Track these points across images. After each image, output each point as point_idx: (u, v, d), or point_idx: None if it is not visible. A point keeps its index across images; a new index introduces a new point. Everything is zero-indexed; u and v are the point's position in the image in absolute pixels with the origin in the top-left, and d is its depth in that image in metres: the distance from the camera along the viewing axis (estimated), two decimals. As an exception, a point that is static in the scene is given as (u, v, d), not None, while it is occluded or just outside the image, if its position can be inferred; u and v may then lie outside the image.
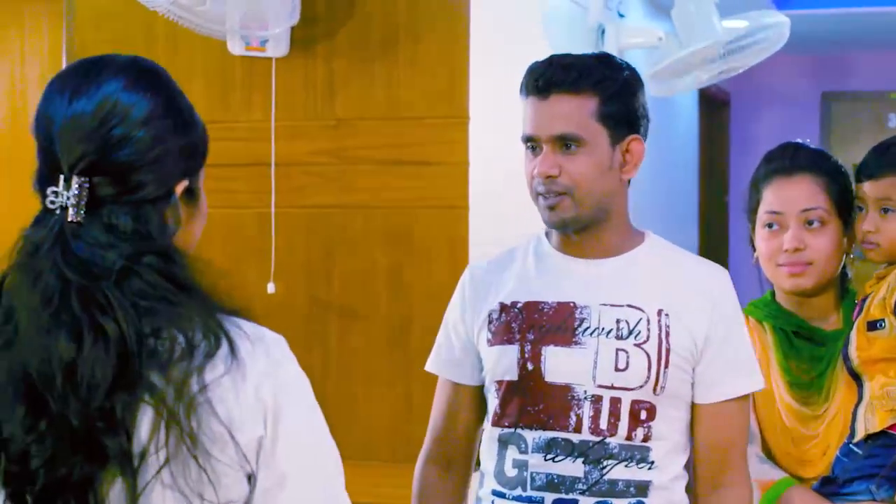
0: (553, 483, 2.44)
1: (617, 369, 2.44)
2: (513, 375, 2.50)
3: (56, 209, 1.63)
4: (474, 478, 2.72)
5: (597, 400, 2.44)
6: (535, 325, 2.50)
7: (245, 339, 1.65)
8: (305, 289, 4.14)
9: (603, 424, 2.44)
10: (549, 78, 2.50)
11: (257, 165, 4.13)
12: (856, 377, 2.74)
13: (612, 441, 2.44)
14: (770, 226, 2.87)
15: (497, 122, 4.17)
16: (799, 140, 3.03)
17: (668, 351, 2.45)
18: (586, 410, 2.44)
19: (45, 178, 1.66)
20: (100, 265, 1.59)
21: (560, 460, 2.44)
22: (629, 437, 2.44)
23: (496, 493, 2.53)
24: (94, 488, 1.56)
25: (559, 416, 2.45)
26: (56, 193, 1.63)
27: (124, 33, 4.32)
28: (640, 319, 2.46)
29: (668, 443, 2.47)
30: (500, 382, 2.53)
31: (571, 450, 2.44)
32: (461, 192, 3.98)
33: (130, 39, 4.31)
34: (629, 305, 2.48)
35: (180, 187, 1.70)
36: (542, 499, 2.45)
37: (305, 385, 1.74)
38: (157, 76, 1.73)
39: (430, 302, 4.00)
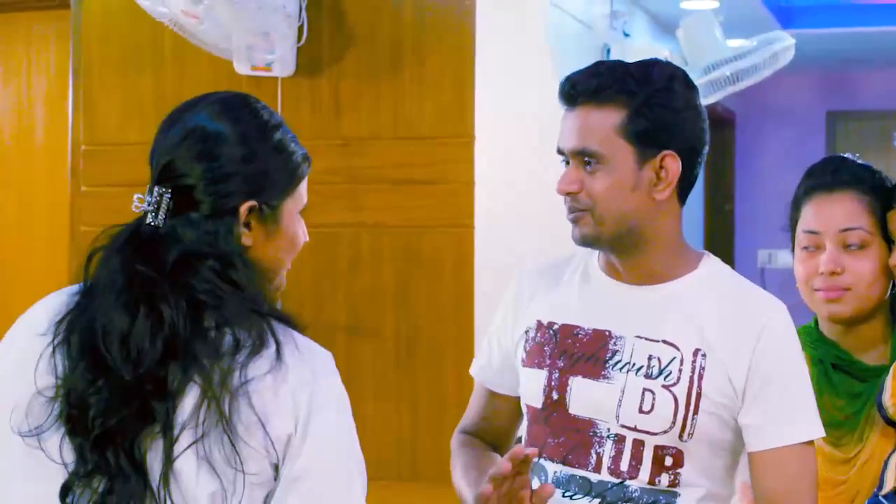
0: None
1: (641, 411, 2.26)
2: (538, 402, 2.36)
3: (141, 212, 1.92)
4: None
5: (620, 440, 2.27)
6: (567, 351, 2.34)
7: (293, 347, 1.87)
8: (313, 307, 4.15)
9: (623, 466, 2.27)
10: (575, 86, 2.29)
11: (264, 184, 4.15)
12: (892, 424, 2.48)
13: (633, 484, 2.27)
14: (807, 247, 2.61)
15: (503, 142, 4.18)
16: (845, 154, 2.74)
17: (698, 396, 2.25)
18: (607, 450, 2.28)
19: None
20: (162, 262, 1.86)
21: (578, 499, 2.29)
22: (652, 482, 2.26)
23: None
24: (138, 444, 1.81)
25: (579, 452, 2.30)
26: (140, 199, 1.93)
27: (132, 52, 4.34)
28: (674, 359, 2.27)
29: (700, 490, 2.28)
30: (527, 407, 2.40)
31: (589, 489, 2.29)
32: (467, 210, 3.99)
33: (138, 58, 4.33)
34: (664, 342, 2.28)
35: (245, 207, 1.92)
36: None
37: (343, 400, 1.91)
38: (240, 108, 2.00)
39: (437, 319, 4.01)
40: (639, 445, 2.26)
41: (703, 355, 2.26)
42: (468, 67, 3.99)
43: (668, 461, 2.26)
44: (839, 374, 2.60)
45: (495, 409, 2.53)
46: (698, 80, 5.17)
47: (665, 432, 2.25)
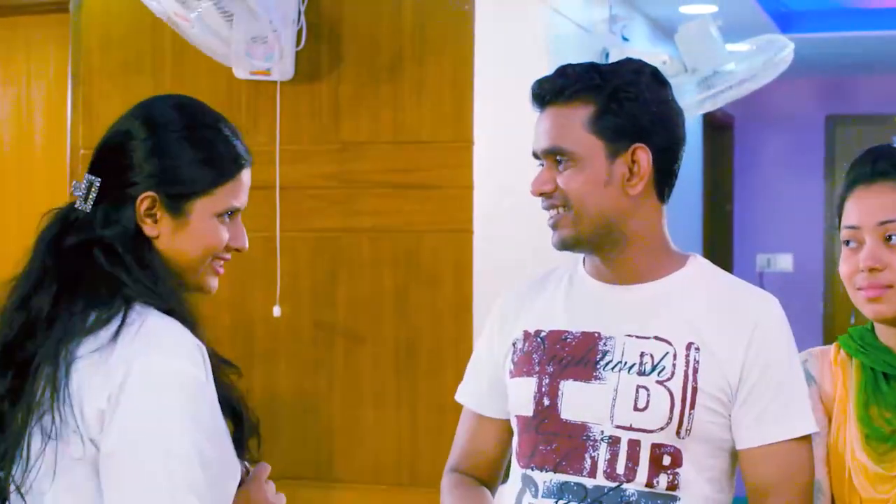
0: None
1: (636, 408, 2.23)
2: (528, 411, 2.32)
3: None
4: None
5: (614, 442, 2.23)
6: (557, 356, 2.31)
7: (136, 328, 1.95)
8: (311, 312, 4.15)
9: (620, 469, 2.23)
10: (543, 86, 2.31)
11: (262, 189, 4.14)
12: None
13: (630, 487, 2.22)
14: (848, 242, 2.41)
15: (502, 146, 4.18)
16: (892, 144, 2.55)
17: (694, 390, 2.22)
18: (602, 453, 2.24)
19: None
20: (69, 246, 2.03)
21: None
22: (650, 485, 2.22)
23: None
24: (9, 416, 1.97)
25: (573, 457, 2.25)
26: (76, 187, 2.07)
27: (131, 57, 4.34)
28: (667, 354, 2.24)
29: (699, 495, 2.25)
30: (517, 418, 2.36)
31: (584, 495, 2.24)
32: (466, 215, 3.98)
33: (138, 63, 4.33)
34: (656, 338, 2.26)
35: (142, 197, 2.03)
36: None
37: (171, 382, 1.93)
38: (168, 107, 2.11)
39: (436, 325, 4.01)
40: (635, 446, 2.23)
41: (697, 349, 2.25)
42: (467, 72, 3.99)
43: (667, 460, 2.23)
44: (889, 384, 2.39)
45: (485, 435, 2.49)
46: (699, 96, 5.17)
47: (662, 429, 2.23)
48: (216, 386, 2.01)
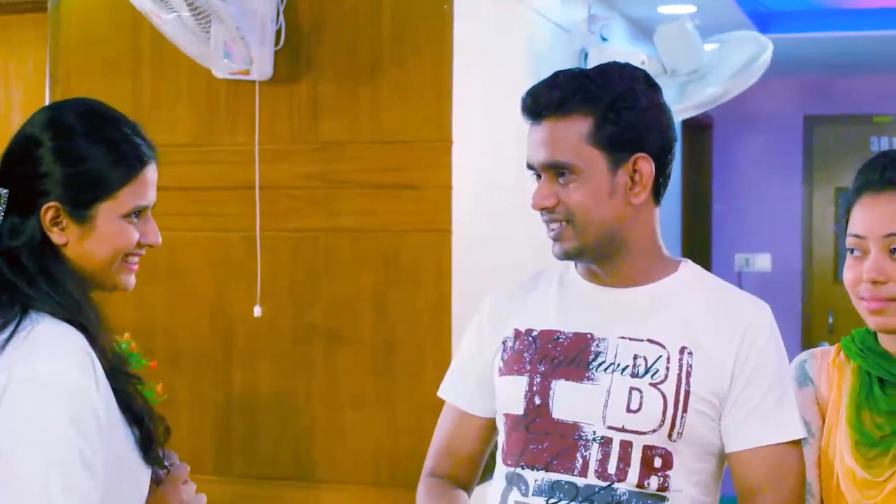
0: None
1: (629, 410, 2.24)
2: (518, 409, 2.32)
3: None
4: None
5: (606, 442, 2.24)
6: (548, 356, 2.31)
7: (26, 334, 1.96)
8: (291, 312, 4.15)
9: (611, 469, 2.24)
10: (538, 99, 2.29)
11: (242, 189, 4.15)
12: None
13: (622, 487, 2.23)
14: (853, 251, 2.37)
15: (481, 147, 4.19)
16: None
17: (687, 393, 2.24)
18: (594, 453, 2.24)
19: None
20: None
21: None
22: (641, 486, 2.23)
23: None
24: None
25: (564, 457, 2.26)
26: None
27: (110, 58, 4.33)
28: (660, 357, 2.26)
29: (687, 496, 2.26)
30: (506, 416, 2.35)
31: (575, 494, 2.24)
32: (445, 215, 3.99)
33: (116, 64, 4.32)
34: (649, 340, 2.27)
35: (45, 208, 2.03)
36: None
37: (54, 388, 1.93)
38: (58, 113, 2.11)
39: (416, 325, 4.01)
40: (626, 447, 2.24)
41: (690, 353, 2.27)
42: (446, 72, 3.99)
43: (658, 462, 2.24)
44: (883, 390, 2.37)
45: (467, 433, 2.49)
46: (680, 106, 5.19)
47: (654, 431, 2.24)
48: (119, 393, 2.02)
